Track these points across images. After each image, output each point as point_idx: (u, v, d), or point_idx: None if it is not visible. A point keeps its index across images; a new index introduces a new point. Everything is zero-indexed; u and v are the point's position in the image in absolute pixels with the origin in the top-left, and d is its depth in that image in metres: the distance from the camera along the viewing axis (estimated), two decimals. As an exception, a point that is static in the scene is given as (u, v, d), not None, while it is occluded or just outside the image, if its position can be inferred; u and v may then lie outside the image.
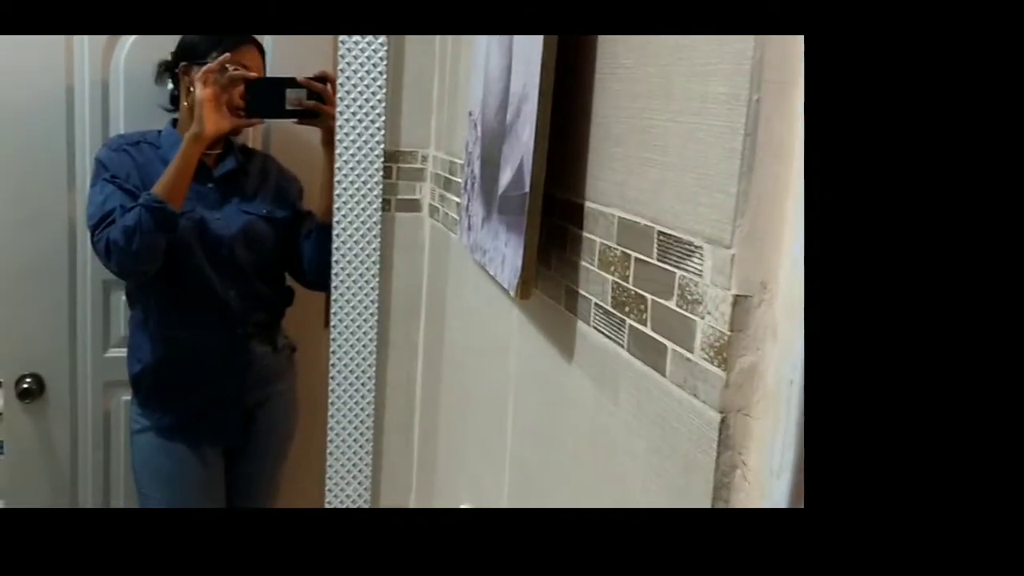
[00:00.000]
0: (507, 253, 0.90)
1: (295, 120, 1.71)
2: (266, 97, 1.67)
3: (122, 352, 1.93)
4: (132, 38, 1.96)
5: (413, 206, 1.50)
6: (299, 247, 1.86)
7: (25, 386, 2.01)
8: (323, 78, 1.67)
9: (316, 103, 1.66)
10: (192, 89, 1.71)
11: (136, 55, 1.96)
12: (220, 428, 1.86)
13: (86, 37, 1.93)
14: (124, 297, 1.92)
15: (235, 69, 1.70)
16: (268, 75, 1.81)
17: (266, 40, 1.91)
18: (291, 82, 1.66)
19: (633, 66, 0.74)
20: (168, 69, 1.84)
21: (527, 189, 0.83)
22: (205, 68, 1.67)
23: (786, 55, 0.56)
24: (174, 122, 1.83)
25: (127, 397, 1.95)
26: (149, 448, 1.84)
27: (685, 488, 0.65)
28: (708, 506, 0.61)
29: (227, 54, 1.69)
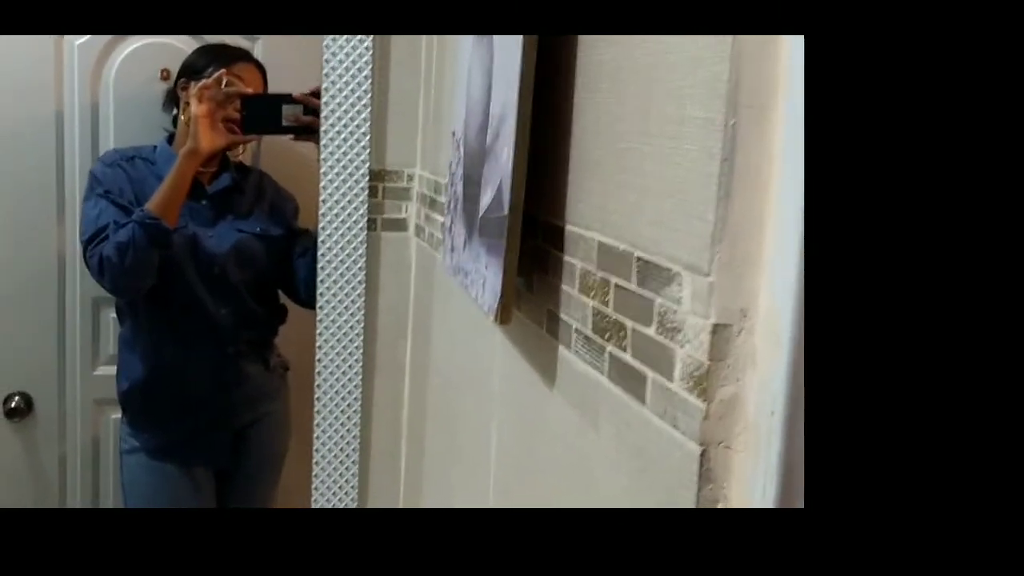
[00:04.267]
0: (487, 276, 0.88)
1: (292, 136, 1.69)
2: (262, 113, 1.65)
3: (111, 370, 1.91)
4: (120, 58, 1.96)
5: (399, 225, 1.48)
6: (293, 265, 1.84)
7: (13, 405, 1.99)
8: (319, 93, 1.65)
9: (313, 119, 1.64)
10: (188, 104, 1.70)
11: (124, 75, 1.96)
12: (211, 449, 1.84)
13: (76, 61, 1.93)
14: (114, 314, 1.90)
15: (231, 85, 1.69)
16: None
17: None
18: (288, 98, 1.64)
19: (610, 88, 0.72)
20: (173, 98, 1.83)
21: (506, 211, 0.81)
22: (201, 84, 1.66)
23: (763, 78, 0.54)
24: (169, 138, 1.82)
25: (116, 415, 1.93)
26: (139, 468, 1.82)
27: (665, 522, 0.63)
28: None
29: (223, 70, 1.68)
